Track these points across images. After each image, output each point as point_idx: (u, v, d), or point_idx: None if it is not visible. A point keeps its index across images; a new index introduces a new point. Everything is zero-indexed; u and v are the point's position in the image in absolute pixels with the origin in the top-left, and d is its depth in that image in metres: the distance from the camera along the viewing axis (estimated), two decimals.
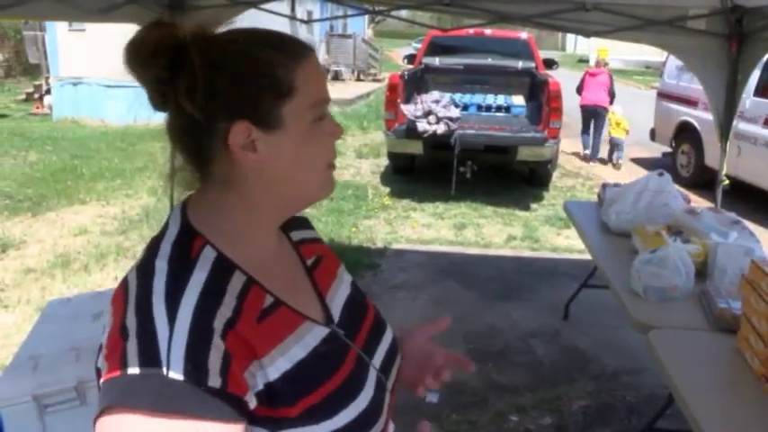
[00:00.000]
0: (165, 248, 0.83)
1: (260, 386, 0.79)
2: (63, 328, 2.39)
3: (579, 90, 9.86)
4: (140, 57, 0.79)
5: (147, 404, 0.70)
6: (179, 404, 0.70)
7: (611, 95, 9.73)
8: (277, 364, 0.81)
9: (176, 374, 0.71)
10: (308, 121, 0.86)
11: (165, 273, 0.79)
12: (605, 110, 9.65)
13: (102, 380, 0.74)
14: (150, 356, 0.71)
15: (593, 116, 9.71)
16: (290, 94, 0.83)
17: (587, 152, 9.99)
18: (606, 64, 9.91)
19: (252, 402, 0.77)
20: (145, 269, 0.81)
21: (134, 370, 0.71)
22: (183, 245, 0.84)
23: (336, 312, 0.97)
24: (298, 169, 0.87)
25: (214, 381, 0.73)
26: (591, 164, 9.81)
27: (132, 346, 0.72)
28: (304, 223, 1.10)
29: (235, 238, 0.87)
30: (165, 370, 0.71)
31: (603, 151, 10.00)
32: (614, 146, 9.74)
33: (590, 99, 9.63)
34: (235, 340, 0.77)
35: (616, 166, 9.68)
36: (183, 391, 0.71)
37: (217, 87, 0.81)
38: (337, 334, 0.93)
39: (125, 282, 0.81)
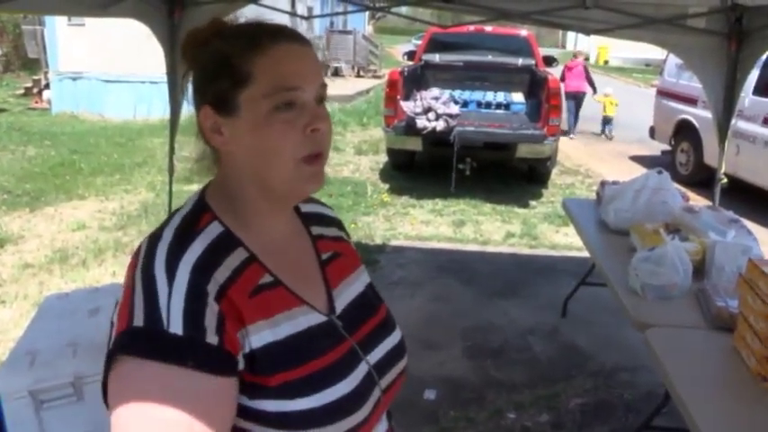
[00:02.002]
0: (176, 220, 0.91)
1: (246, 349, 0.84)
2: (60, 323, 2.39)
3: (561, 79, 11.35)
4: (182, 46, 0.92)
5: (150, 354, 0.76)
6: (180, 356, 0.77)
7: (590, 82, 12.01)
8: (262, 335, 0.86)
9: (176, 329, 0.78)
10: (266, 110, 0.87)
11: (169, 239, 0.86)
12: (584, 94, 11.85)
13: (113, 332, 0.82)
14: (152, 313, 0.79)
15: (573, 99, 11.64)
16: (247, 82, 0.87)
17: (565, 129, 11.68)
18: (581, 53, 12.62)
19: (241, 363, 0.83)
20: (155, 236, 0.88)
21: (139, 323, 0.78)
22: (192, 218, 0.91)
23: (341, 305, 1.00)
24: (261, 157, 0.89)
25: (211, 338, 0.79)
26: (570, 137, 11.62)
27: (138, 304, 0.80)
28: (331, 222, 1.13)
29: (243, 219, 0.93)
30: (165, 325, 0.78)
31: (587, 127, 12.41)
32: (606, 122, 12.15)
33: (572, 86, 11.57)
34: (227, 304, 0.83)
35: (609, 138, 12.06)
36: (183, 344, 0.78)
37: (193, 76, 0.92)
38: (334, 324, 0.97)
39: (139, 247, 0.89)
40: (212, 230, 0.89)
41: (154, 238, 0.87)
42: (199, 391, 0.77)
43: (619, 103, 12.20)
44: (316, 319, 0.94)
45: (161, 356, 0.76)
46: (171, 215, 0.93)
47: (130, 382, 0.76)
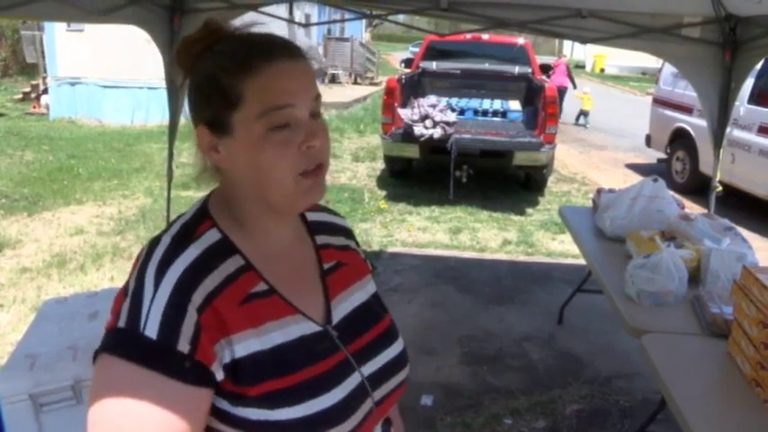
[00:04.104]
0: (176, 226, 0.93)
1: (227, 359, 0.85)
2: (60, 327, 2.40)
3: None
4: (175, 53, 0.92)
5: (125, 355, 0.80)
6: (150, 359, 0.79)
7: (571, 79, 14.74)
8: (248, 343, 0.87)
9: (151, 333, 0.80)
10: (260, 131, 0.86)
11: (165, 245, 0.89)
12: (566, 89, 14.22)
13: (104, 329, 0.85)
14: (134, 315, 0.82)
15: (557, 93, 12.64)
16: (238, 103, 0.87)
17: None
18: (564, 56, 16.17)
19: (219, 374, 0.84)
20: (154, 241, 0.91)
21: (122, 324, 0.82)
22: (190, 225, 0.93)
23: (338, 316, 1.00)
24: (257, 175, 0.89)
25: (183, 346, 0.81)
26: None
27: (125, 305, 0.84)
28: (339, 231, 1.13)
29: (244, 227, 0.94)
30: (142, 327, 0.80)
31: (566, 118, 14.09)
32: (582, 114, 14.59)
33: (555, 82, 12.46)
34: (210, 314, 0.84)
35: (585, 127, 14.27)
36: (154, 348, 0.80)
37: (189, 89, 0.93)
38: (329, 334, 0.96)
39: (141, 251, 0.91)
40: (209, 237, 0.90)
41: (153, 243, 0.90)
42: (164, 396, 0.79)
43: (594, 100, 14.76)
44: (309, 328, 0.94)
45: (133, 358, 0.79)
46: (173, 221, 0.94)
47: (105, 379, 0.80)
